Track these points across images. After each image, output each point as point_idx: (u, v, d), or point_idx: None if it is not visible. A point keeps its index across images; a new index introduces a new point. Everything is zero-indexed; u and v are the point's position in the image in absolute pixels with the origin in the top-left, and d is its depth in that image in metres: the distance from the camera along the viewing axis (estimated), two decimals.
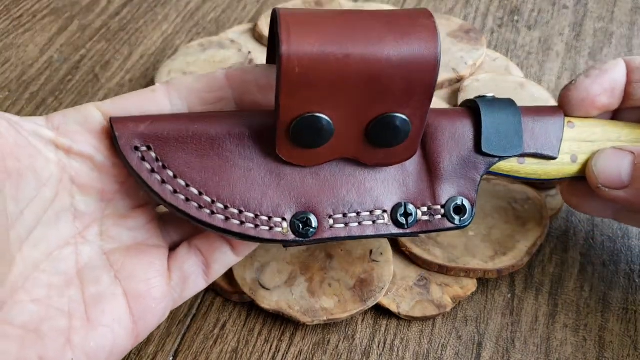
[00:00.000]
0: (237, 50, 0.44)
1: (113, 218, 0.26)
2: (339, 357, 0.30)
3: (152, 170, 0.25)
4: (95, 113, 0.25)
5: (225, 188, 0.25)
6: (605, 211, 0.32)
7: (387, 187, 0.27)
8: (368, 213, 0.26)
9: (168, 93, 0.26)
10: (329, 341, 0.31)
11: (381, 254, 0.32)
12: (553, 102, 0.40)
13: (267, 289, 0.31)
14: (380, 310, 0.32)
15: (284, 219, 0.25)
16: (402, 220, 0.26)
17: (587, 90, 0.29)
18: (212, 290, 0.33)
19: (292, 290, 0.31)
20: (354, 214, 0.26)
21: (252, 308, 0.32)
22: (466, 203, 0.27)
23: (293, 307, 0.30)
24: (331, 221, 0.26)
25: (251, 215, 0.25)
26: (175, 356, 0.30)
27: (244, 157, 0.26)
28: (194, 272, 0.27)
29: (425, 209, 0.27)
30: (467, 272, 0.32)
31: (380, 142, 0.25)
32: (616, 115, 0.31)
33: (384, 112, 0.24)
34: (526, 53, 0.47)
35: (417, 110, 0.24)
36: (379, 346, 0.30)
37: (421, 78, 0.23)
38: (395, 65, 0.23)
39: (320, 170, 0.26)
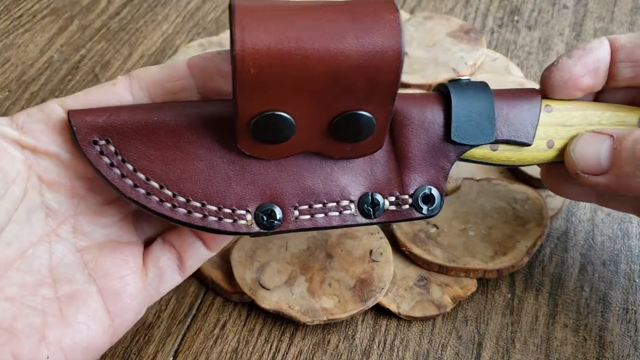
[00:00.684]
0: None
1: (86, 215, 0.26)
2: (339, 357, 0.30)
3: (112, 165, 0.24)
4: (58, 110, 0.25)
5: (186, 181, 0.25)
6: (587, 195, 0.31)
7: (354, 176, 0.26)
8: (334, 204, 0.26)
9: (130, 85, 0.26)
10: (329, 341, 0.31)
11: (381, 254, 0.32)
12: None
13: (267, 289, 0.31)
14: (380, 310, 0.32)
15: (247, 212, 0.25)
16: (369, 210, 0.26)
17: (570, 71, 0.27)
18: (212, 290, 0.33)
19: (292, 290, 0.31)
20: (320, 205, 0.26)
21: (252, 308, 0.32)
22: (435, 192, 0.26)
23: (293, 307, 0.30)
24: (296, 212, 0.25)
25: (214, 208, 0.25)
26: (175, 356, 0.30)
27: (206, 149, 0.25)
28: (169, 268, 0.27)
29: (392, 198, 0.26)
30: (467, 272, 0.32)
31: (344, 137, 0.25)
32: (599, 96, 0.30)
33: (347, 110, 0.24)
34: (526, 53, 0.47)
35: (380, 107, 0.24)
36: (379, 346, 0.30)
37: (384, 76, 0.22)
38: (357, 64, 0.22)
39: (285, 161, 0.26)
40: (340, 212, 0.26)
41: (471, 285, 0.32)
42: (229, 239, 0.28)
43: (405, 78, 0.42)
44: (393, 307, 0.31)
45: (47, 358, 0.23)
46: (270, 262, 0.32)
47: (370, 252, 0.32)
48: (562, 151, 0.28)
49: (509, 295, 0.32)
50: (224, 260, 0.33)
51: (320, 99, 0.23)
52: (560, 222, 0.36)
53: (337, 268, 0.32)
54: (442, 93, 0.27)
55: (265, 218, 0.25)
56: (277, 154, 0.25)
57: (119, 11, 0.51)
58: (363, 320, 0.31)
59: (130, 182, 0.24)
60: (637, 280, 0.33)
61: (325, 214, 0.26)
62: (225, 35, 0.46)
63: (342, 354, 0.30)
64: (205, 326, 0.31)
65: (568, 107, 0.28)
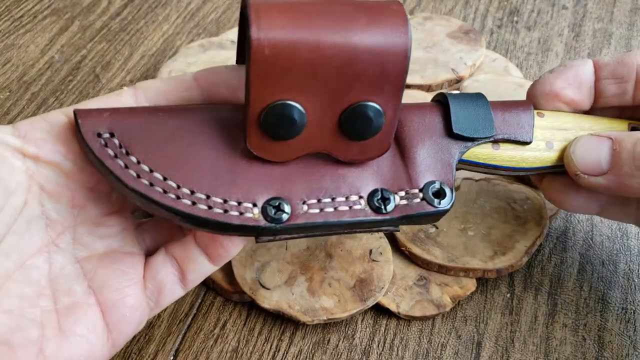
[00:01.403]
0: None
1: (86, 225, 0.26)
2: (339, 356, 0.30)
3: (115, 156, 0.24)
4: (62, 119, 0.25)
5: (192, 173, 0.24)
6: (589, 207, 0.31)
7: (361, 174, 0.26)
8: (344, 198, 0.25)
9: (135, 95, 0.26)
10: (328, 340, 0.31)
11: (381, 253, 0.32)
12: None
13: (267, 289, 0.31)
14: (380, 310, 0.32)
15: (254, 205, 0.24)
16: (380, 203, 0.25)
17: (551, 84, 0.29)
18: (213, 289, 0.33)
19: (292, 290, 0.31)
20: (329, 199, 0.25)
21: (252, 307, 0.32)
22: (445, 187, 0.26)
23: (293, 306, 0.30)
24: (305, 207, 0.25)
25: (219, 200, 0.24)
26: (175, 355, 0.30)
27: (212, 147, 0.25)
28: (169, 281, 0.26)
29: (402, 193, 0.26)
30: (467, 272, 0.32)
31: (353, 133, 0.25)
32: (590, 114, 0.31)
33: (357, 100, 0.24)
34: (525, 54, 0.47)
35: (389, 98, 0.24)
36: (378, 345, 0.31)
37: (393, 61, 0.23)
38: (368, 50, 0.22)
39: (292, 164, 0.25)
40: (350, 207, 0.25)
41: (470, 285, 0.32)
42: (234, 250, 0.27)
43: None
44: (393, 307, 0.31)
45: None
46: (271, 262, 0.32)
47: (370, 251, 0.33)
48: (562, 152, 0.29)
49: (508, 295, 0.33)
50: None
51: (331, 87, 0.23)
52: (559, 222, 0.36)
53: (337, 268, 0.32)
54: (440, 102, 0.28)
55: (273, 211, 0.24)
56: (286, 154, 0.25)
57: (119, 12, 0.51)
58: (363, 320, 0.32)
59: (133, 173, 0.24)
60: (636, 280, 0.33)
61: (335, 209, 0.25)
62: (226, 36, 0.47)
63: (341, 354, 0.30)
64: (205, 326, 0.31)
65: (559, 114, 0.29)
